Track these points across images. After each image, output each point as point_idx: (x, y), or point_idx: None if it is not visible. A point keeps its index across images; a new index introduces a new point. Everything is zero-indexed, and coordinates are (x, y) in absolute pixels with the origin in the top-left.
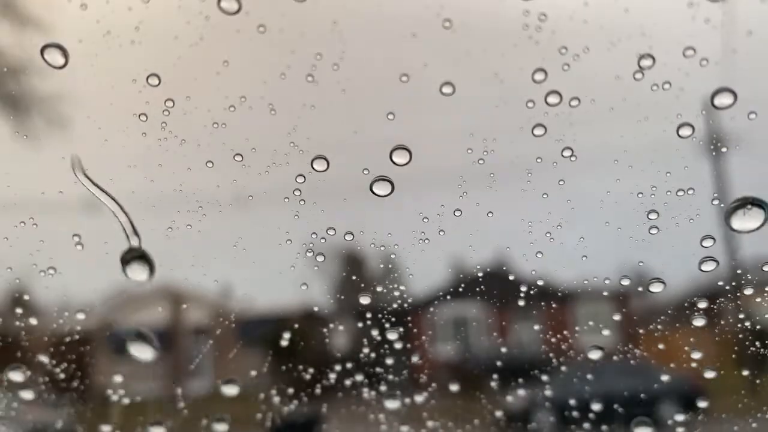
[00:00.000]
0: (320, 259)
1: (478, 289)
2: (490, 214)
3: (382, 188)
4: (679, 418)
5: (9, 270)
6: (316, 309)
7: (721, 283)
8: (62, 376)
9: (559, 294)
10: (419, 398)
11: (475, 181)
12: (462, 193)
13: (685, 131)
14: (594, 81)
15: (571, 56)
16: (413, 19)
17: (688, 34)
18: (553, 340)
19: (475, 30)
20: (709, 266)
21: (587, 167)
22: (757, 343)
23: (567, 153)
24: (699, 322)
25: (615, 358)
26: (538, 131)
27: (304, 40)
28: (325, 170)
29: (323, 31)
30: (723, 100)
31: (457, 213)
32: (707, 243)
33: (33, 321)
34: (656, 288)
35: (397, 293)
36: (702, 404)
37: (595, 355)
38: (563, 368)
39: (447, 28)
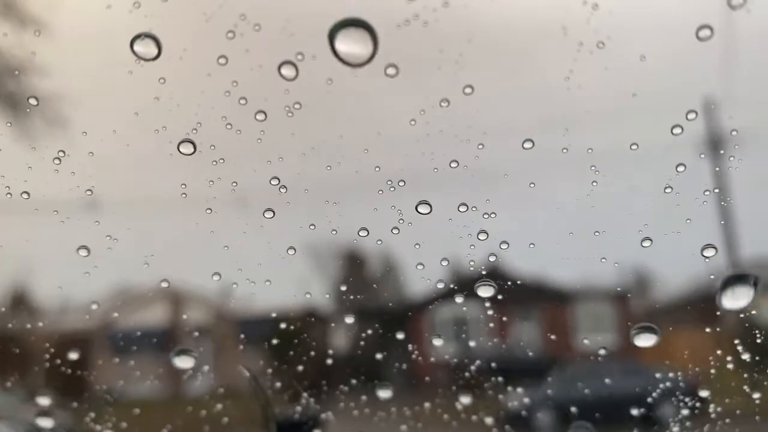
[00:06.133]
0: (320, 259)
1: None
2: (486, 215)
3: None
4: (679, 418)
5: (9, 270)
6: (316, 309)
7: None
8: (62, 376)
9: (559, 294)
10: (418, 398)
11: (475, 181)
12: (462, 193)
13: (685, 131)
14: (594, 83)
15: (571, 56)
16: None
17: (689, 35)
18: (552, 339)
19: (477, 29)
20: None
21: (587, 168)
22: (758, 344)
23: (567, 153)
24: (699, 321)
25: (614, 358)
26: (540, 132)
27: (304, 39)
28: (326, 171)
29: (322, 31)
30: None
31: (457, 212)
32: (707, 245)
33: (33, 321)
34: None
35: (396, 293)
36: (701, 404)
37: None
38: (562, 368)
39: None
